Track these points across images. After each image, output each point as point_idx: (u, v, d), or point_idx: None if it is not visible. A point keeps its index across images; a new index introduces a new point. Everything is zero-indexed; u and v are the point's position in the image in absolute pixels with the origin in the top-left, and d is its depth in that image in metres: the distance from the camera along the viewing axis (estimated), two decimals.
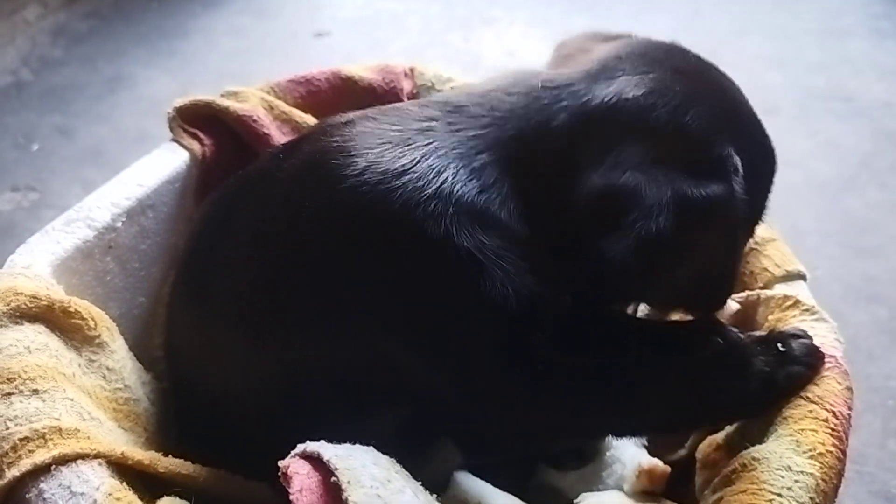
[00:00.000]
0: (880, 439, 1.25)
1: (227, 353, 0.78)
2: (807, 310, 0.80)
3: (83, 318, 0.79)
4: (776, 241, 0.90)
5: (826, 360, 0.72)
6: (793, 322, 0.80)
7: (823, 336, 0.76)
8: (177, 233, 1.02)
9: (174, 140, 1.03)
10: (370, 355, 0.69)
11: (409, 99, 1.13)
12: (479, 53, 2.25)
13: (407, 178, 0.66)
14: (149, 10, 2.37)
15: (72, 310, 0.78)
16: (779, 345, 0.72)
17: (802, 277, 0.87)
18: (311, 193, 0.71)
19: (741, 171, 0.67)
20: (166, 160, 1.00)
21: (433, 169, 0.67)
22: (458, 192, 0.66)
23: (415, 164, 0.67)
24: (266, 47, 2.23)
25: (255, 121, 1.02)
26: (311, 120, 1.08)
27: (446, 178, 0.66)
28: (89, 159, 1.77)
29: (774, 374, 0.70)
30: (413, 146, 0.69)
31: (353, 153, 0.69)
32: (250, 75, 2.07)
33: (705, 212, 0.64)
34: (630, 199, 0.63)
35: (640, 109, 0.68)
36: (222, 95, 1.06)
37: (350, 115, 0.78)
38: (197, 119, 1.02)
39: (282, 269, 0.72)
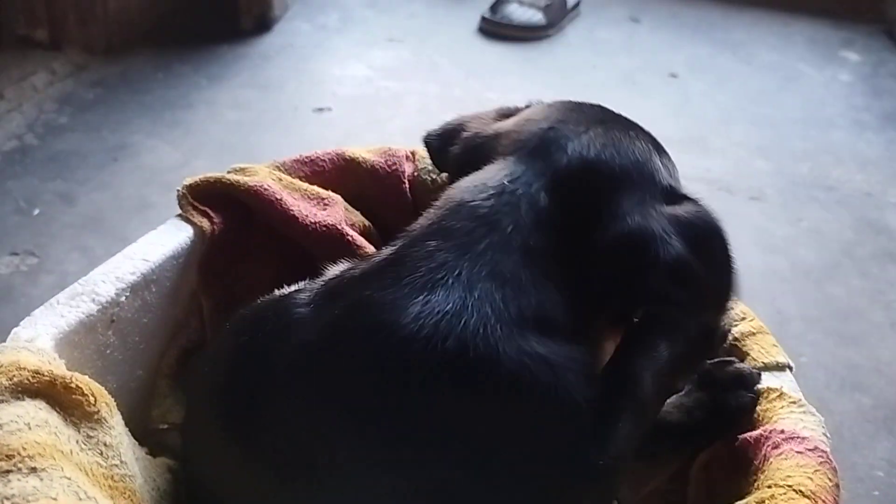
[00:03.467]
0: None
1: (271, 493, 0.75)
2: (794, 402, 0.82)
3: (84, 394, 0.79)
4: (759, 333, 0.92)
5: (818, 454, 0.73)
6: (781, 413, 0.82)
7: (812, 430, 0.77)
8: (178, 306, 1.04)
9: (181, 216, 1.05)
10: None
11: (409, 181, 1.17)
12: None
13: (464, 315, 0.68)
14: (154, 80, 2.42)
15: (73, 385, 0.78)
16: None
17: (788, 368, 0.89)
18: (361, 346, 0.71)
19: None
20: (172, 235, 1.02)
21: (483, 299, 0.69)
22: (513, 309, 0.70)
23: (464, 301, 0.69)
24: (268, 120, 2.28)
25: (265, 189, 1.04)
26: (319, 190, 1.11)
27: (496, 302, 0.70)
28: (89, 226, 1.79)
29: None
30: (450, 285, 0.71)
31: (398, 303, 0.71)
32: (252, 147, 2.14)
33: (698, 226, 0.75)
34: (643, 237, 0.73)
35: (604, 162, 0.77)
36: (229, 172, 1.09)
37: (366, 268, 0.79)
38: (207, 196, 1.05)
39: (336, 420, 0.70)
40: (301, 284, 0.86)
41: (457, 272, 0.71)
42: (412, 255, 0.75)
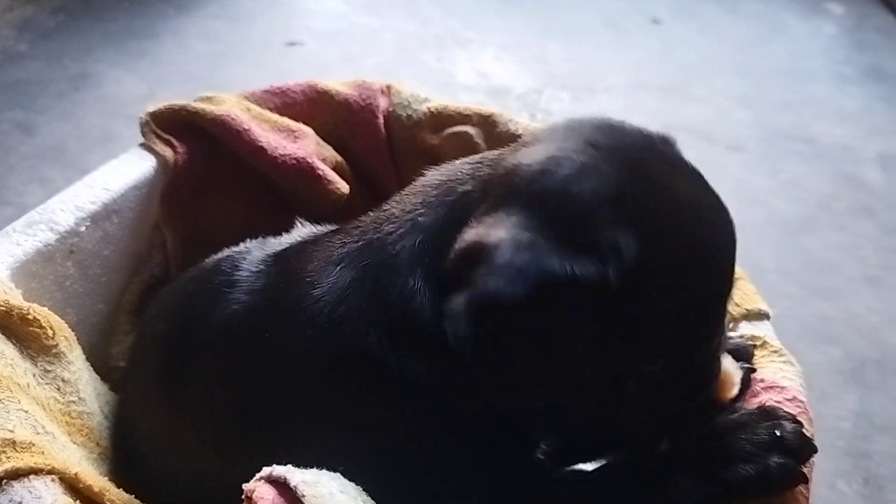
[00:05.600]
0: (830, 479, 1.26)
1: (193, 460, 0.76)
2: (775, 351, 0.81)
3: (41, 327, 0.76)
4: (740, 279, 0.90)
5: (796, 404, 0.72)
6: (762, 362, 0.80)
7: (791, 380, 0.76)
8: (140, 239, 1.00)
9: (144, 145, 1.00)
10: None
11: (384, 116, 1.12)
12: (453, 73, 2.25)
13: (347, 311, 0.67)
14: (119, 8, 2.33)
15: (30, 317, 0.75)
16: (776, 431, 0.66)
17: (766, 317, 0.88)
18: (272, 324, 0.71)
19: (626, 259, 0.57)
20: (134, 165, 0.98)
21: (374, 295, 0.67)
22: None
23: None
24: (237, 53, 2.21)
25: (233, 119, 1.00)
26: (290, 121, 1.06)
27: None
28: (50, 157, 1.73)
29: (767, 462, 0.65)
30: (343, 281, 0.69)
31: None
32: (220, 80, 2.07)
33: (557, 288, 0.55)
34: (487, 254, 0.56)
35: (532, 175, 0.62)
36: (196, 100, 1.04)
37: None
38: (171, 125, 1.00)
39: (252, 394, 0.71)
40: (245, 245, 0.84)
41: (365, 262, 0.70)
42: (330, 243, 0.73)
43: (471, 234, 0.60)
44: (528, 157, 0.64)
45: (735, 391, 0.71)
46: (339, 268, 0.69)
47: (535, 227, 0.57)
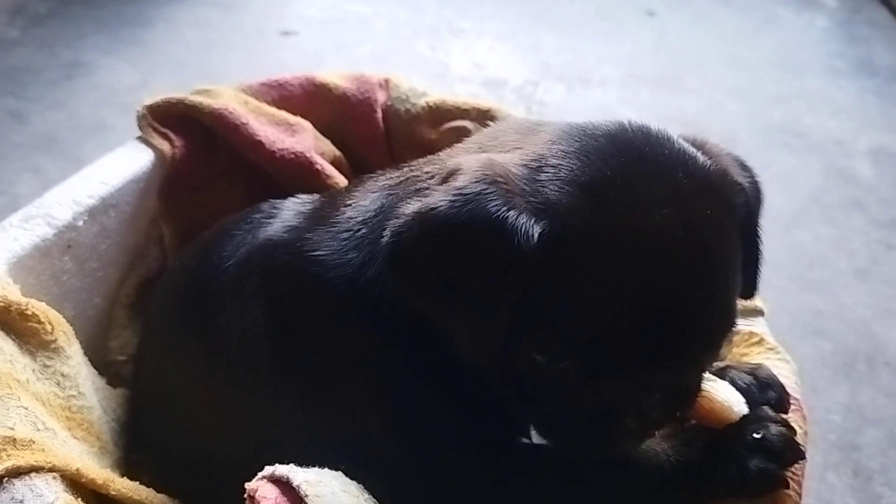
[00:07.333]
0: (820, 472, 1.28)
1: (221, 390, 0.76)
2: (771, 349, 0.82)
3: (40, 322, 0.76)
4: None
5: (790, 402, 0.73)
6: (757, 359, 0.81)
7: (786, 377, 0.77)
8: (138, 233, 1.00)
9: (141, 138, 1.00)
10: (354, 425, 0.69)
11: (382, 110, 1.12)
12: (447, 64, 2.24)
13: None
14: None
15: (29, 312, 0.75)
16: (755, 434, 0.66)
17: (761, 313, 0.89)
18: (306, 237, 0.74)
19: (555, 231, 0.57)
20: (132, 158, 0.98)
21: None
22: None
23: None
24: (231, 42, 2.19)
25: (230, 112, 1.00)
26: (287, 115, 1.06)
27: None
28: (42, 146, 1.72)
29: (747, 464, 0.65)
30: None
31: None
32: (214, 69, 2.06)
33: (487, 234, 0.57)
34: (452, 176, 0.61)
35: (546, 141, 0.64)
36: (193, 93, 1.03)
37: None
38: (168, 118, 1.00)
39: (283, 308, 0.73)
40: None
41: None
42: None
43: (459, 158, 0.64)
44: (557, 125, 0.66)
45: (735, 416, 0.68)
46: (373, 194, 0.72)
47: (510, 177, 0.59)
